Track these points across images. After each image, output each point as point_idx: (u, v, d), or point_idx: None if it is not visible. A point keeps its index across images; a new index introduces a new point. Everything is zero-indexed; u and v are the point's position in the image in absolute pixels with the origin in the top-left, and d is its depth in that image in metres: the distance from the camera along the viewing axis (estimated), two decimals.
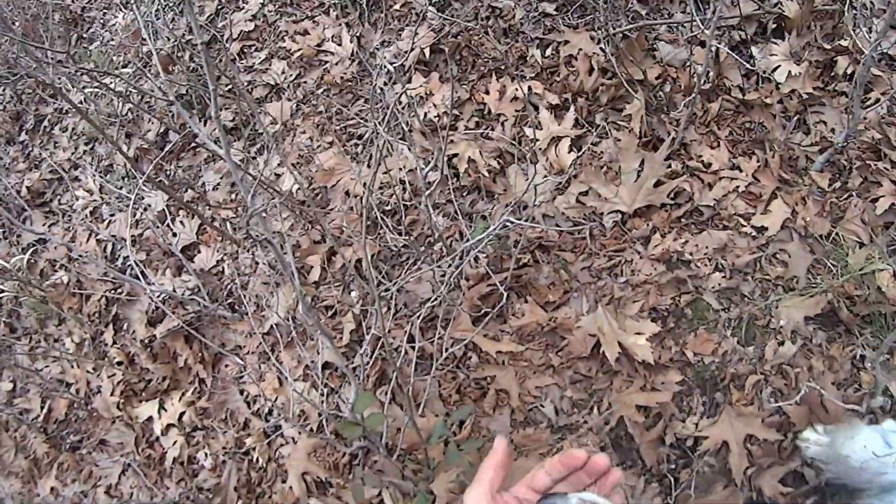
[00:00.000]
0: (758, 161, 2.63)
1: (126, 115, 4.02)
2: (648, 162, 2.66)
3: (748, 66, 2.81)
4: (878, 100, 2.64)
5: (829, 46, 2.78)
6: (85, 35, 4.71)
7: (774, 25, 2.86)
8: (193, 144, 3.72)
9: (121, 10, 4.59)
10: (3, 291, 3.82)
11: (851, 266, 2.35)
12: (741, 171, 2.62)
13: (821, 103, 2.72)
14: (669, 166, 2.68)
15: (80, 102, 4.09)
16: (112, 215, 3.88)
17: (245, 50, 3.84)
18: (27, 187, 4.22)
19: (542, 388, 2.50)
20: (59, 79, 4.27)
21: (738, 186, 2.60)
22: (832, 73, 2.76)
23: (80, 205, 4.00)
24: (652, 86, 2.83)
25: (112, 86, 4.07)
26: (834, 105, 2.70)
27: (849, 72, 2.74)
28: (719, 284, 2.48)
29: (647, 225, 2.61)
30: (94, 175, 4.03)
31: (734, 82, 2.78)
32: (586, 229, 2.62)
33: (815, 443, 2.13)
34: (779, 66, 2.76)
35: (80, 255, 3.81)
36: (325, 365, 2.83)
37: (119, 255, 3.71)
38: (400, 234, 2.82)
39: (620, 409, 2.34)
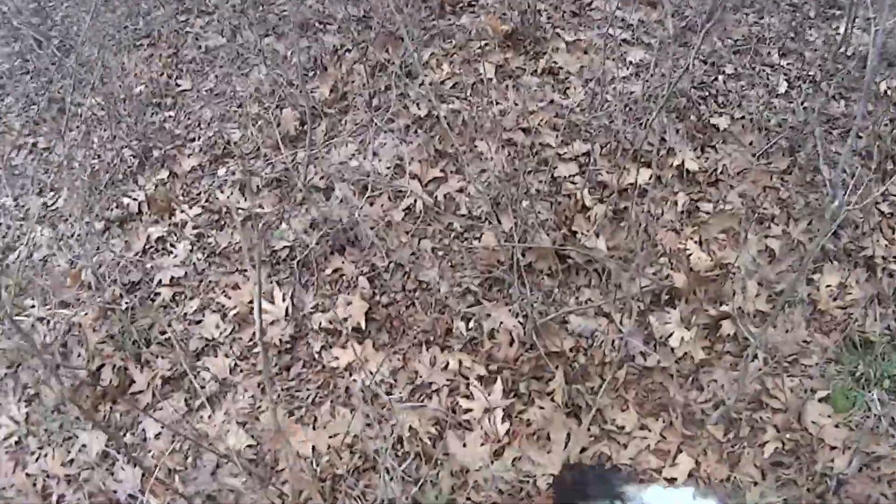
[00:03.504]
0: (663, 422, 3.54)
1: (52, 344, 4.47)
2: (573, 435, 3.53)
3: (647, 333, 3.81)
4: (756, 355, 3.66)
5: (714, 312, 3.79)
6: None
7: (667, 296, 3.87)
8: (132, 391, 4.23)
9: (38, 223, 5.20)
10: None
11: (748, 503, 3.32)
12: (650, 430, 3.53)
13: (710, 364, 3.71)
14: (589, 429, 3.57)
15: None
16: (41, 448, 4.22)
17: (177, 297, 4.53)
18: None
19: None
20: None
21: (648, 445, 3.50)
22: (717, 335, 3.78)
23: (3, 433, 4.33)
24: (567, 357, 3.74)
25: (33, 310, 4.65)
26: (721, 365, 3.69)
27: (732, 334, 3.76)
28: None
29: None
30: (19, 404, 4.40)
31: (637, 349, 3.74)
32: (524, 492, 3.51)
33: None
34: (672, 333, 3.76)
35: (5, 489, 4.11)
36: None
37: (52, 493, 4.03)
38: (356, 499, 3.57)
39: None
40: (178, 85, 5.84)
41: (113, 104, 5.53)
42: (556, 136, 4.51)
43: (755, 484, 3.39)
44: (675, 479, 3.43)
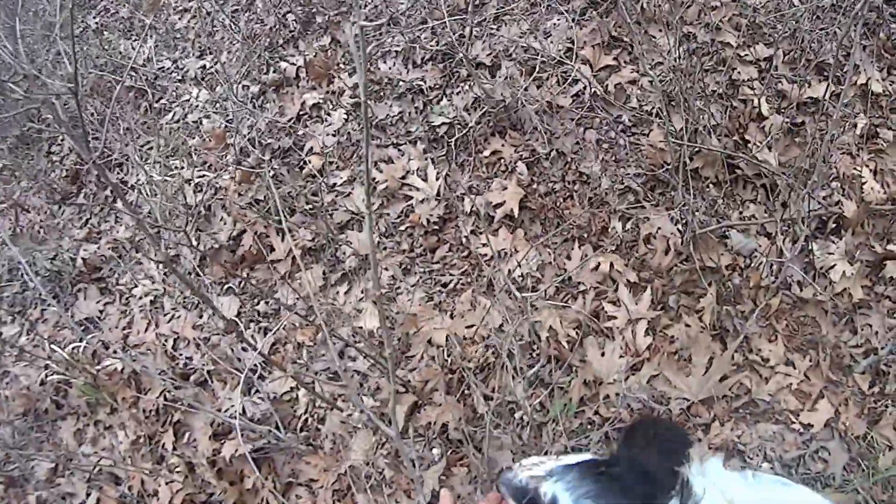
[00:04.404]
0: (810, 360, 3.48)
1: (197, 207, 4.70)
2: (717, 360, 3.51)
3: (807, 261, 3.71)
4: None
5: (880, 249, 3.66)
6: (155, 105, 5.48)
7: (834, 225, 3.76)
8: (271, 259, 4.41)
9: (195, 86, 5.40)
10: (49, 367, 4.39)
11: (879, 469, 3.23)
12: (795, 367, 3.48)
13: (868, 306, 3.60)
14: (732, 357, 3.54)
15: (147, 183, 4.73)
16: (174, 310, 4.53)
17: (326, 166, 4.61)
18: (83, 259, 4.89)
19: None
20: (127, 145, 5.04)
21: (791, 383, 3.45)
22: (880, 275, 3.65)
23: (140, 291, 4.65)
24: (722, 274, 3.69)
25: (182, 171, 4.83)
26: (880, 309, 3.58)
27: (895, 276, 3.63)
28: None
29: (710, 413, 3.45)
30: (158, 264, 4.67)
31: (795, 278, 3.66)
32: (655, 415, 3.49)
33: None
34: (834, 266, 3.66)
35: (137, 346, 4.41)
36: None
37: (181, 356, 4.32)
38: (484, 397, 3.63)
39: None
40: None
41: None
42: (738, 36, 4.36)
43: (890, 448, 3.31)
44: (812, 425, 3.38)
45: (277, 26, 5.42)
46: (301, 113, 4.94)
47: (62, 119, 2.42)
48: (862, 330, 3.58)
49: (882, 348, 3.44)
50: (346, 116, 4.78)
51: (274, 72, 5.18)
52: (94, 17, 6.47)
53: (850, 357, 3.52)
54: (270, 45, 5.35)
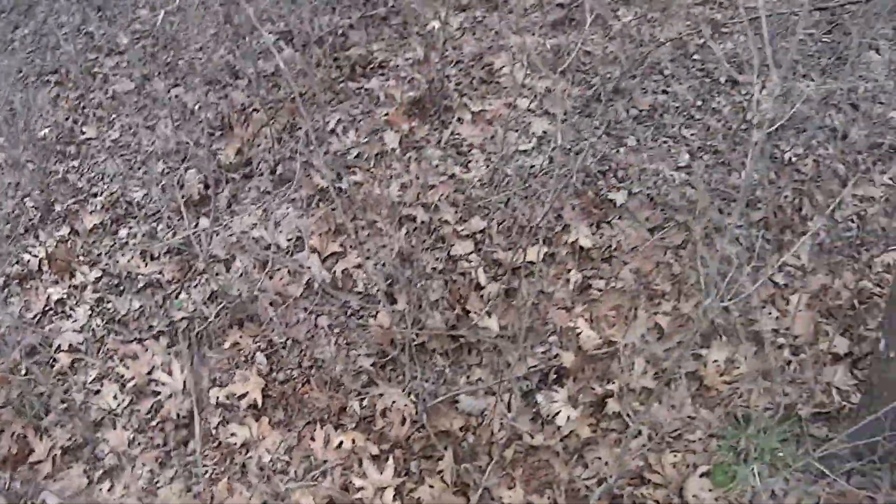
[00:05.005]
0: (548, 498, 3.86)
1: None
2: None
3: (534, 412, 4.13)
4: (640, 431, 3.97)
5: (600, 390, 4.12)
6: None
7: (555, 375, 4.21)
8: (32, 460, 4.45)
9: None
10: None
11: None
12: None
13: (595, 441, 4.02)
14: None
15: None
16: None
17: (76, 364, 4.74)
18: None
19: None
20: None
21: None
22: (603, 412, 4.09)
23: None
24: (457, 436, 4.06)
25: None
26: (606, 442, 4.00)
27: (617, 411, 4.07)
28: None
29: None
30: None
31: (524, 428, 4.05)
32: None
33: None
34: (559, 412, 4.08)
35: None
36: None
37: None
38: None
39: None
40: (83, 132, 6.06)
41: (16, 147, 5.75)
42: (455, 212, 4.84)
43: None
44: None
45: (17, 212, 5.57)
46: (46, 308, 5.08)
47: None
48: (592, 463, 4.00)
49: (611, 476, 3.80)
50: (90, 312, 4.96)
51: (17, 263, 5.30)
52: None
53: (585, 488, 3.92)
54: (12, 234, 5.46)
